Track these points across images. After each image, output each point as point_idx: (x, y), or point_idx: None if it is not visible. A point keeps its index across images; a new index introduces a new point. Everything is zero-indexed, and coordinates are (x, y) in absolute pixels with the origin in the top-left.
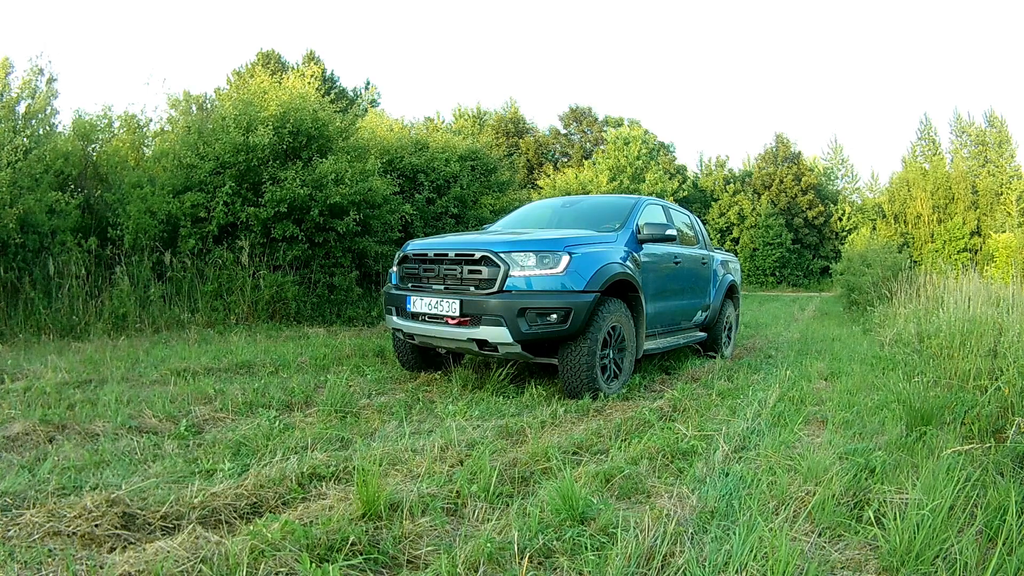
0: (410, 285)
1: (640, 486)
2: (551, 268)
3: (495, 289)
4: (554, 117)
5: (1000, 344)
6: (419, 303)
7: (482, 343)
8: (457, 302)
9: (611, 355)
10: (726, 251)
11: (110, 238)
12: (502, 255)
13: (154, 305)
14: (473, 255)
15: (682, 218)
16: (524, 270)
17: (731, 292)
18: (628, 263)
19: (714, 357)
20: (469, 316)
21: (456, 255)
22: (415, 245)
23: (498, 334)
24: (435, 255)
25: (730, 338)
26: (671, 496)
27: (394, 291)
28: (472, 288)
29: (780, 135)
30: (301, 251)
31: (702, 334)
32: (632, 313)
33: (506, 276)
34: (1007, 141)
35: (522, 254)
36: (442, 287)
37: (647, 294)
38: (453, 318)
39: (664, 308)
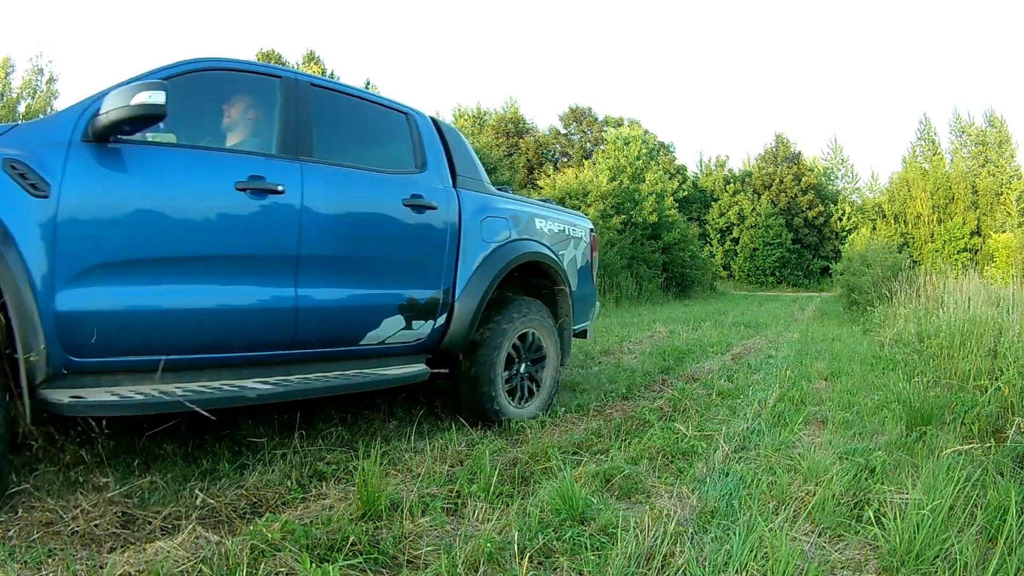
0: None
1: (640, 486)
2: None
3: None
4: (554, 117)
5: (1000, 344)
6: None
7: None
8: None
9: None
10: (557, 207)
11: None
12: None
13: None
14: None
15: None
16: None
17: (542, 278)
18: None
19: (490, 426)
20: None
21: None
22: None
23: None
24: None
25: (543, 383)
26: (671, 496)
27: None
28: None
29: (780, 135)
30: None
31: (419, 368)
32: None
33: None
34: (1007, 141)
35: None
36: None
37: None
38: None
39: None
